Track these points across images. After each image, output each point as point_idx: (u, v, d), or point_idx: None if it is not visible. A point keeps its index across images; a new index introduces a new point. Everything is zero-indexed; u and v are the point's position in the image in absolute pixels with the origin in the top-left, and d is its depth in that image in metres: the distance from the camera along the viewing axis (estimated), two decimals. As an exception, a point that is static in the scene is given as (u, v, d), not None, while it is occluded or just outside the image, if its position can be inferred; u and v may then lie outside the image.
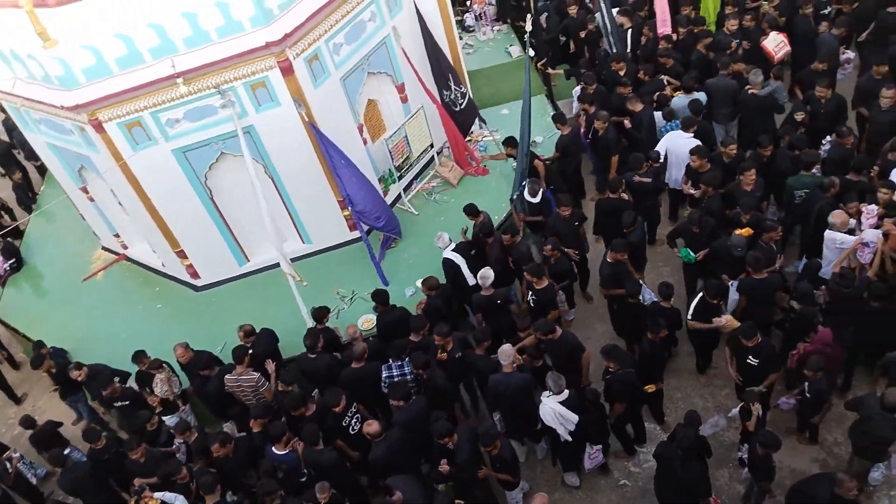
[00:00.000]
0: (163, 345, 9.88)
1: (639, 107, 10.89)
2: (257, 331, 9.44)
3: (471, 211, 10.07)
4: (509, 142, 11.03)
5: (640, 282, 9.18)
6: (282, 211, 10.83)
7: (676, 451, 7.14)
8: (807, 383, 7.74)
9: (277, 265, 10.04)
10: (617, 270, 9.01)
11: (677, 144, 10.22)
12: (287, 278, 9.67)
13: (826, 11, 11.99)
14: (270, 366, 9.01)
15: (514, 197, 10.57)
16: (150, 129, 9.65)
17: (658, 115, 10.96)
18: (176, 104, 9.50)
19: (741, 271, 8.58)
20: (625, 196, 9.94)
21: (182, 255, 11.11)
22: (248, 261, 11.47)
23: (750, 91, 10.60)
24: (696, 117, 10.46)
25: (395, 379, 8.43)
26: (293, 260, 10.35)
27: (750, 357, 7.85)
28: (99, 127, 9.45)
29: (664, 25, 12.05)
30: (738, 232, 8.77)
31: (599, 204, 10.24)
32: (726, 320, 8.33)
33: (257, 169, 9.87)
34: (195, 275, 11.42)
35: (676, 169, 10.37)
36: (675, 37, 12.00)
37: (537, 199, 10.30)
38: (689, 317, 8.66)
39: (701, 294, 8.53)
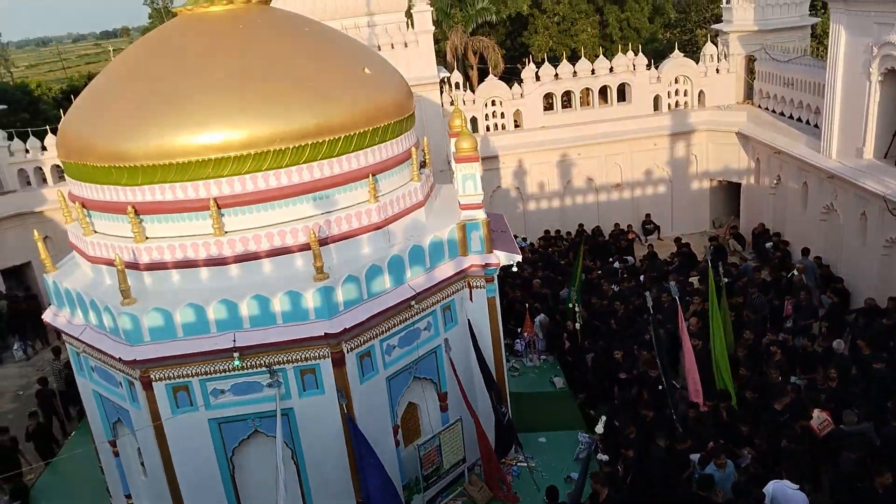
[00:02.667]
0: None
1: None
2: None
3: (551, 495, 9.80)
4: (551, 494, 10.36)
5: None
6: (297, 502, 10.34)
7: None
8: None
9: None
10: None
11: (785, 495, 9.69)
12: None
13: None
14: None
15: None
16: (194, 396, 9.79)
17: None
18: (225, 376, 9.74)
19: None
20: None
21: (186, 529, 10.48)
22: (249, 549, 10.68)
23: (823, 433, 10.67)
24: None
25: None
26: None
27: None
28: (148, 385, 9.66)
29: (696, 395, 12.28)
30: None
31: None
32: None
33: (285, 454, 9.67)
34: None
35: None
36: (703, 408, 12.05)
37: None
38: None
39: None
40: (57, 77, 65.72)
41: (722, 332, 12.64)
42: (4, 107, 24.99)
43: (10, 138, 22.05)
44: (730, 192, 24.01)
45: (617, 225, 23.12)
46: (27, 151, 22.02)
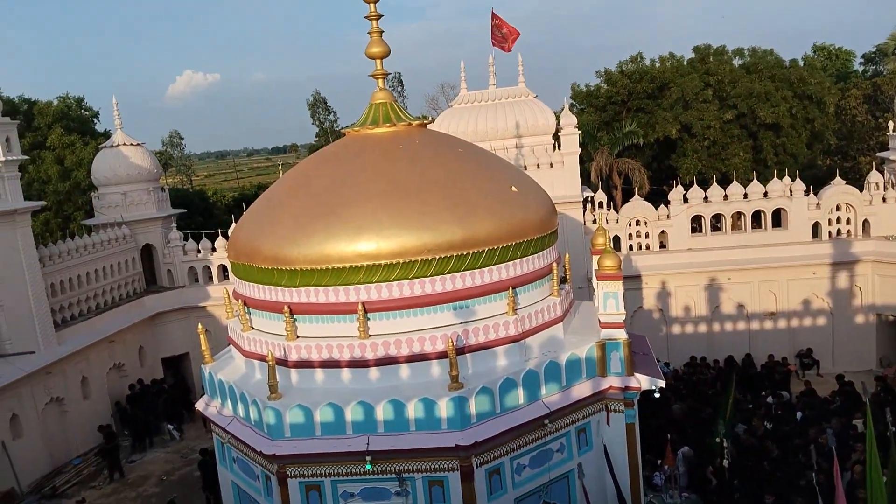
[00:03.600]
0: None
1: None
2: None
3: None
4: None
5: None
6: None
7: None
8: None
9: None
10: None
11: None
12: None
13: None
14: None
15: None
16: (325, 496, 10.00)
17: None
18: (357, 479, 9.90)
19: None
20: None
21: None
22: None
23: None
24: None
25: None
26: None
27: None
28: (283, 480, 10.00)
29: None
30: None
31: None
32: None
33: (408, 566, 9.54)
34: None
35: None
36: None
37: None
38: None
39: None
40: (231, 186, 72.75)
41: (883, 487, 11.31)
42: (184, 210, 27.86)
43: (186, 239, 24.51)
44: (901, 328, 22.06)
45: (771, 356, 21.70)
46: (199, 251, 24.30)
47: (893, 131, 22.87)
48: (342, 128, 12.71)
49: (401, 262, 10.06)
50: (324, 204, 10.72)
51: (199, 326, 12.29)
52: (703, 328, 23.13)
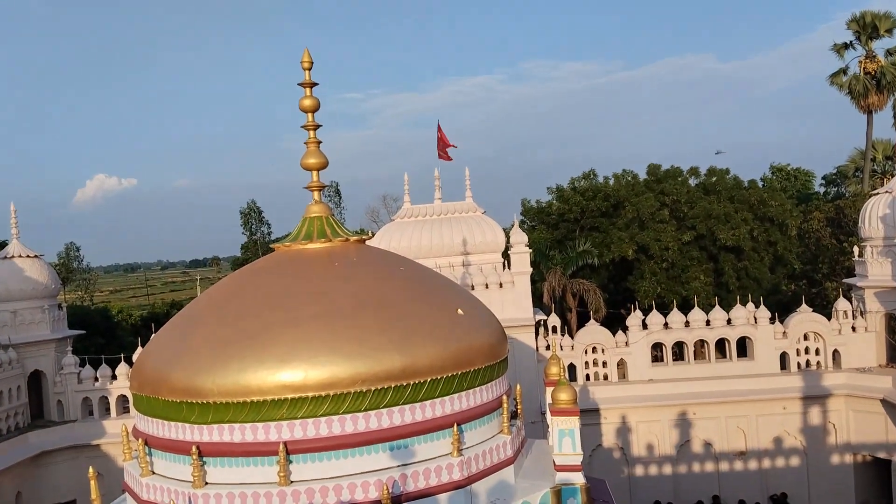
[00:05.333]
0: None
1: None
2: None
3: None
4: None
5: None
6: None
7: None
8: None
9: None
10: None
11: None
12: None
13: None
14: None
15: None
16: None
17: None
18: None
19: None
20: None
21: None
22: None
23: None
24: None
25: None
26: None
27: None
28: None
29: None
30: None
31: None
32: None
33: None
34: None
35: None
36: None
37: None
38: None
39: None
40: (139, 303, 71.17)
41: None
42: (82, 332, 26.93)
43: (82, 364, 23.52)
44: (879, 469, 22.30)
45: (741, 501, 21.60)
46: (96, 379, 23.29)
47: (859, 256, 23.97)
48: (272, 241, 12.69)
49: (331, 394, 9.76)
50: (245, 327, 10.47)
51: (91, 470, 11.54)
52: (668, 469, 22.99)
